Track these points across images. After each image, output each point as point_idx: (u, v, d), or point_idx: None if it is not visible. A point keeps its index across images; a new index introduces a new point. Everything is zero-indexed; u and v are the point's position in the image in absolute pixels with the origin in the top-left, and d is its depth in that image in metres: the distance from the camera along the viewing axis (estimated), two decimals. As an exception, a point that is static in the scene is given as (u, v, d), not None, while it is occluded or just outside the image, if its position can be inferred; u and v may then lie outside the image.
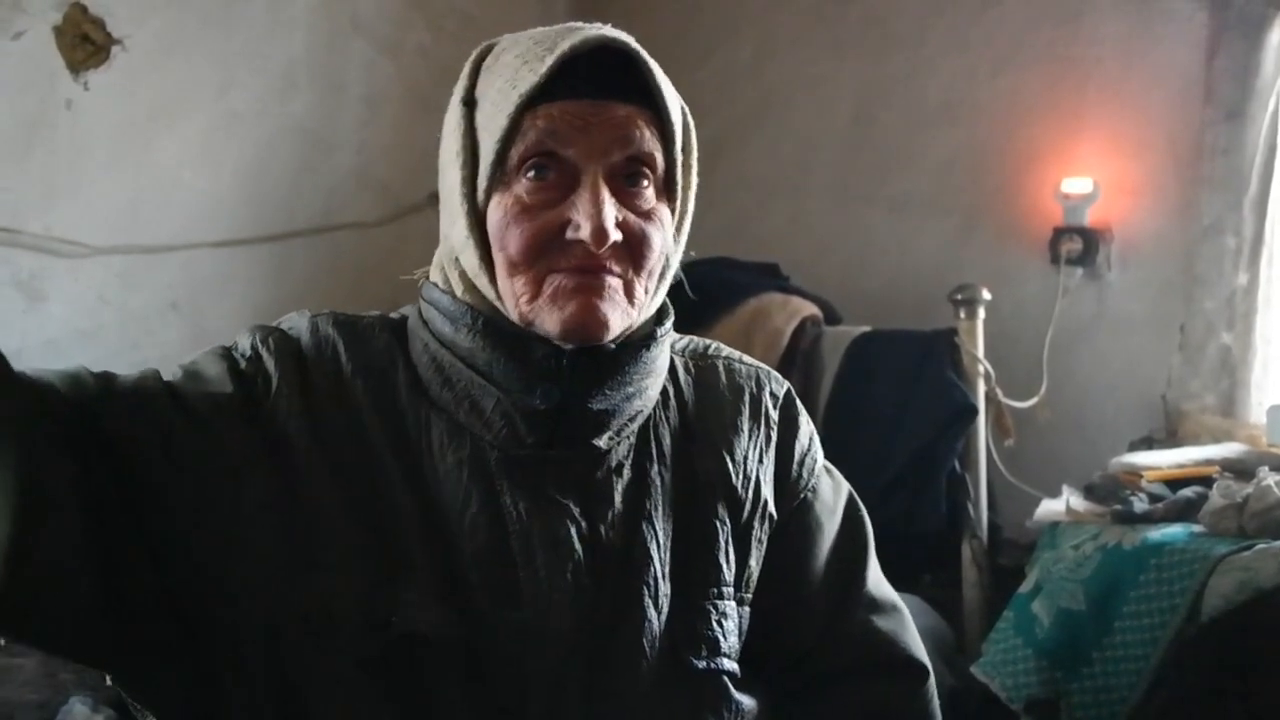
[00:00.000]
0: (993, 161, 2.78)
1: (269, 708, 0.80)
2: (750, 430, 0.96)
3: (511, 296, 0.83)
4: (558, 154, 0.81)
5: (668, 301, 0.91)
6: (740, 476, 0.94)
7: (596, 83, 0.81)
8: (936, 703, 1.02)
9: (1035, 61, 2.73)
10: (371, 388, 0.86)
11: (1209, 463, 2.16)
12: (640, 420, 0.90)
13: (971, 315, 2.40)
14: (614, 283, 0.82)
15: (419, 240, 2.69)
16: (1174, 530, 1.96)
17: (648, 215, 0.84)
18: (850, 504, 1.03)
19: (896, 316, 2.64)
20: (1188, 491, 2.04)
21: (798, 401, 1.01)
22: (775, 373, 1.01)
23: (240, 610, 0.79)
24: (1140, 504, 2.04)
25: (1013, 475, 2.47)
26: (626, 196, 0.83)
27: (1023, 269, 2.71)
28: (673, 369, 0.95)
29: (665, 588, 0.88)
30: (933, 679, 1.02)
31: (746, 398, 0.97)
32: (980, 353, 2.39)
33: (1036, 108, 2.73)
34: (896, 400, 2.41)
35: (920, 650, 1.02)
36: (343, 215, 2.65)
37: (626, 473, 0.89)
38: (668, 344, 0.92)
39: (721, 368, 0.98)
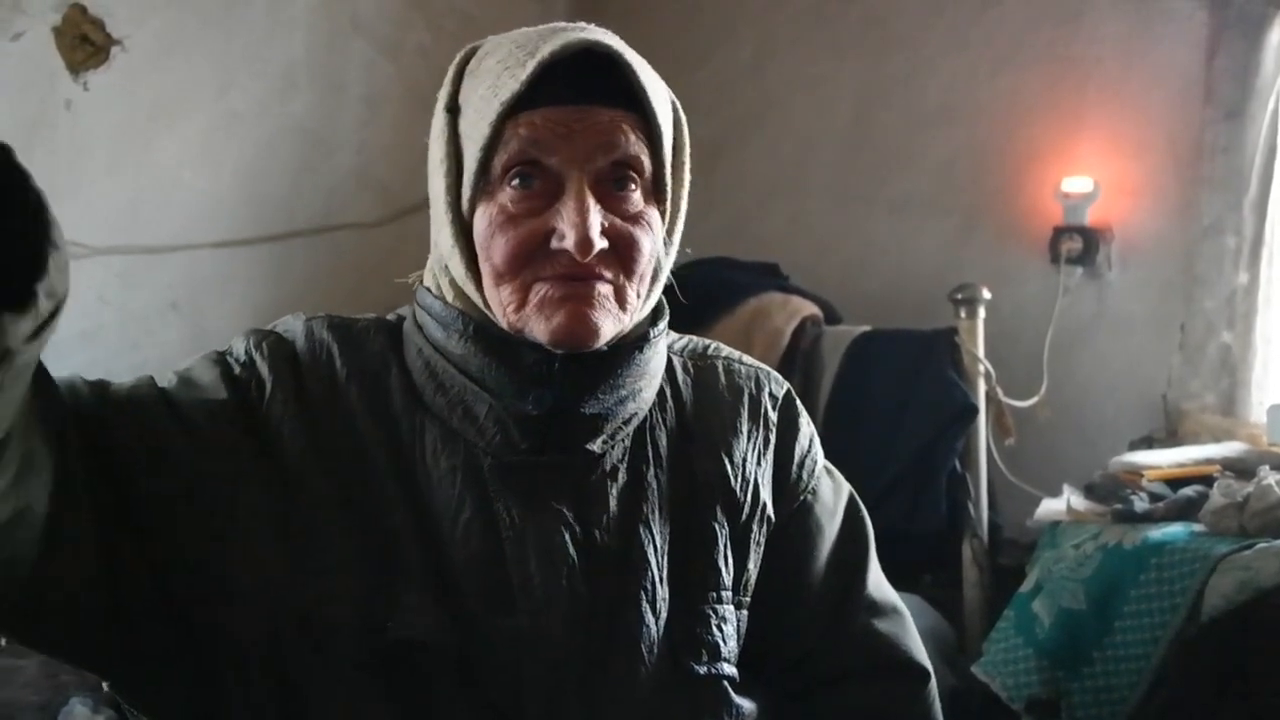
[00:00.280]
0: (993, 161, 2.78)
1: (269, 710, 0.80)
2: (749, 431, 0.95)
3: (499, 305, 0.83)
4: (541, 162, 0.81)
5: (663, 301, 0.91)
6: (739, 479, 0.93)
7: (579, 87, 0.80)
8: (938, 705, 1.02)
9: (1035, 61, 2.73)
10: (366, 392, 0.86)
11: (1209, 462, 2.16)
12: (635, 423, 0.89)
13: (972, 315, 2.40)
14: (604, 289, 0.82)
15: (419, 241, 2.65)
16: (1175, 529, 1.96)
17: (635, 219, 0.83)
18: (851, 505, 1.02)
19: (897, 316, 2.63)
20: (1188, 491, 2.04)
21: (798, 402, 1.00)
22: (775, 373, 1.01)
23: (239, 614, 0.79)
24: (1141, 503, 2.04)
25: (1013, 475, 2.47)
26: (613, 201, 0.82)
27: (1023, 269, 2.71)
28: (671, 369, 0.94)
29: (663, 592, 0.88)
30: (934, 682, 1.02)
31: (746, 398, 0.96)
32: (980, 352, 2.38)
33: (1036, 107, 2.73)
34: (897, 400, 2.41)
35: (921, 653, 1.02)
36: (343, 215, 2.65)
37: (622, 476, 0.88)
38: (662, 345, 0.91)
39: (721, 368, 0.97)
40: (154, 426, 0.80)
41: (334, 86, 2.63)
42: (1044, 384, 2.57)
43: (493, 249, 0.81)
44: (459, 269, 0.84)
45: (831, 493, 1.01)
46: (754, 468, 0.95)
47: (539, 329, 0.81)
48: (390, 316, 0.93)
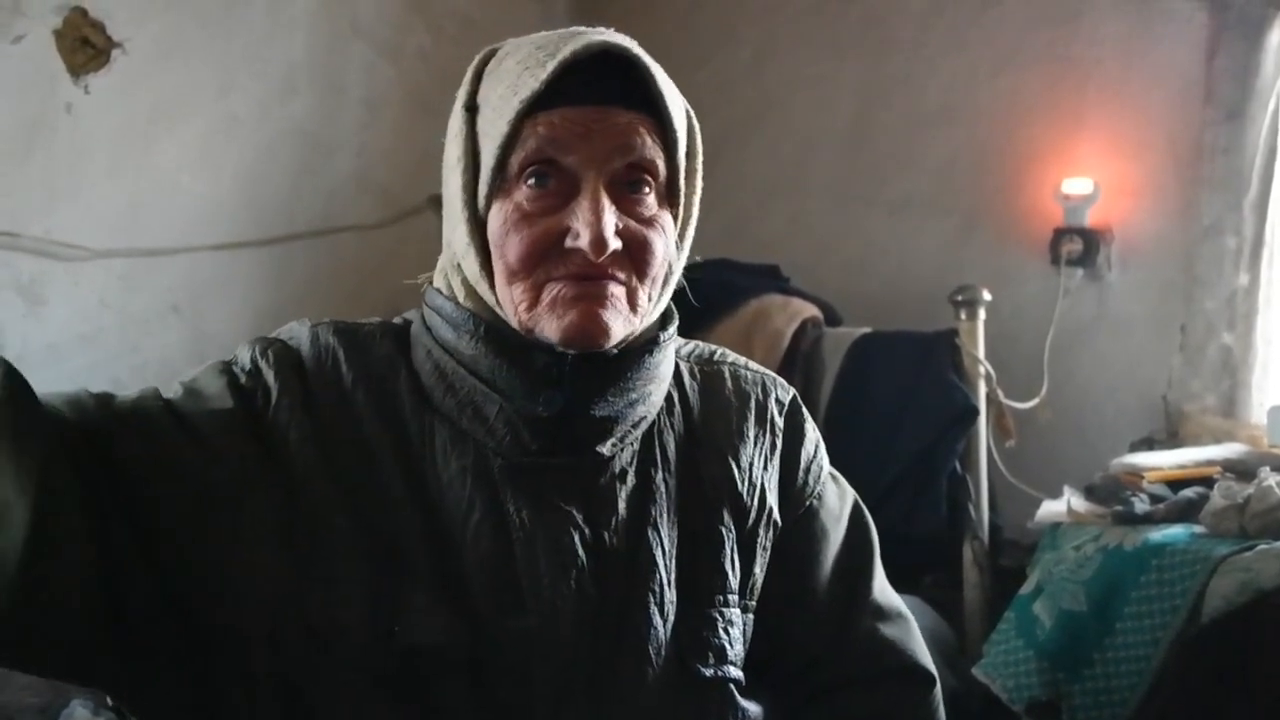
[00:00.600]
0: (993, 162, 2.78)
1: (273, 714, 0.80)
2: (756, 437, 0.96)
3: (511, 304, 0.83)
4: (558, 161, 0.81)
5: (672, 306, 0.91)
6: (745, 483, 0.94)
7: (598, 89, 0.81)
8: (943, 710, 1.02)
9: (1035, 62, 2.73)
10: (373, 396, 0.86)
11: (1210, 463, 2.16)
12: (644, 426, 0.90)
13: (972, 316, 2.40)
14: (617, 290, 0.82)
15: (419, 243, 2.69)
16: (1175, 531, 1.95)
17: (649, 222, 0.84)
18: (855, 511, 1.02)
19: (897, 318, 2.63)
20: (1189, 492, 2.04)
21: (804, 408, 1.01)
22: (781, 379, 1.01)
23: (245, 622, 0.79)
24: (1141, 505, 2.04)
25: (1014, 476, 2.47)
26: (628, 203, 0.83)
27: (1023, 270, 2.71)
28: (678, 374, 0.95)
29: (671, 594, 0.88)
30: (939, 687, 1.02)
31: (752, 404, 0.96)
32: (981, 354, 2.38)
33: (1036, 108, 2.73)
34: (897, 401, 2.41)
35: (926, 658, 1.02)
36: (343, 218, 2.65)
37: (630, 479, 0.88)
38: (672, 349, 0.92)
39: (728, 374, 0.98)
40: (161, 438, 0.80)
41: (334, 89, 2.64)
42: (1044, 385, 2.57)
43: (507, 247, 0.82)
44: (473, 267, 0.84)
45: (836, 498, 1.02)
46: (760, 472, 0.95)
47: (550, 328, 0.81)
48: (396, 320, 0.93)
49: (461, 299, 0.87)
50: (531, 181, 0.81)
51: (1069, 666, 1.97)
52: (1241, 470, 2.10)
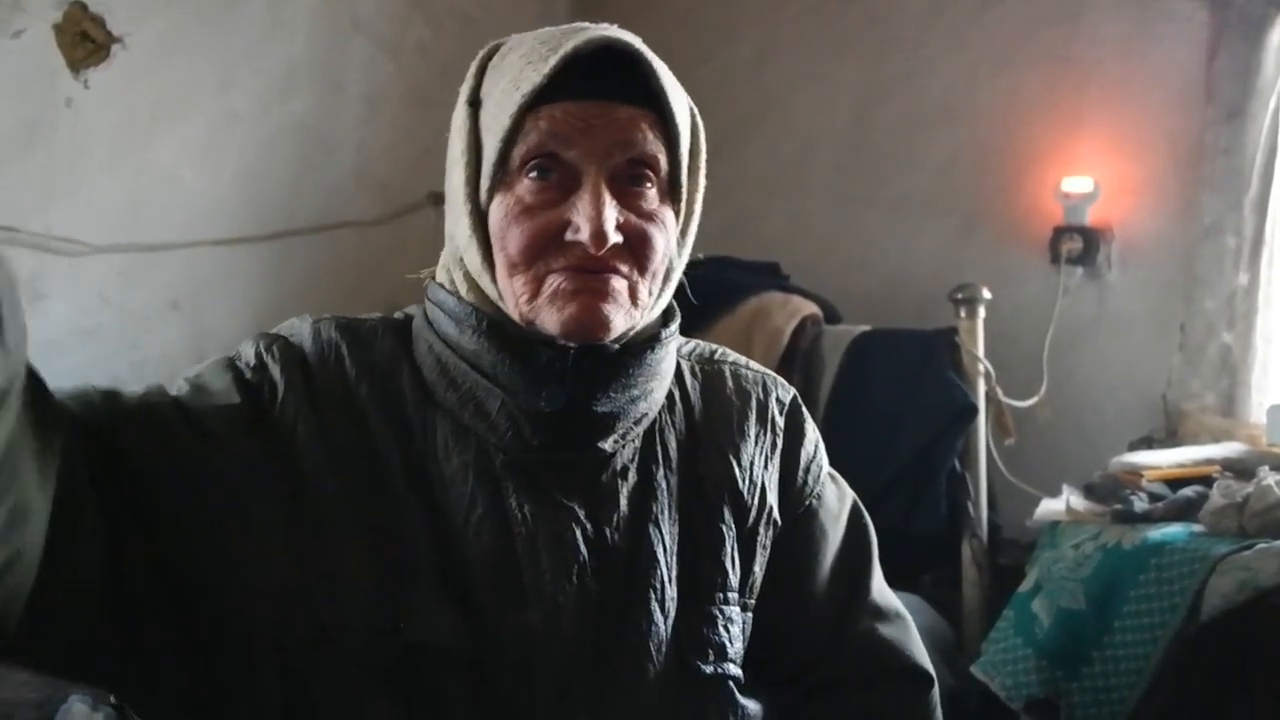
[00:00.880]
0: (993, 161, 2.78)
1: (275, 711, 0.80)
2: (757, 435, 0.96)
3: (512, 296, 0.83)
4: (559, 155, 0.81)
5: (673, 304, 0.91)
6: (746, 481, 0.94)
7: (600, 84, 0.81)
8: (940, 712, 1.02)
9: (1035, 61, 2.73)
10: (376, 392, 0.86)
11: (1209, 462, 2.16)
12: (646, 423, 0.90)
13: (972, 315, 2.40)
14: (617, 283, 0.82)
15: (419, 239, 2.69)
16: (1174, 530, 1.96)
17: (650, 217, 0.84)
18: (854, 512, 1.03)
19: (897, 316, 2.63)
20: (1188, 491, 2.04)
21: (804, 408, 1.01)
22: (781, 379, 1.01)
23: (249, 617, 0.79)
24: (1140, 503, 2.04)
25: (1013, 475, 2.47)
26: (629, 198, 0.83)
27: (1023, 269, 2.71)
28: (679, 373, 0.95)
29: (671, 591, 0.88)
30: (937, 688, 1.02)
31: (753, 403, 0.97)
32: (980, 352, 2.38)
33: (1036, 107, 2.73)
34: (897, 399, 2.41)
35: (925, 659, 1.02)
36: (343, 214, 2.65)
37: (632, 476, 0.89)
38: (673, 347, 0.92)
39: (728, 373, 0.98)
40: (168, 432, 0.80)
41: (334, 85, 2.63)
42: (1044, 384, 2.57)
43: (508, 239, 0.82)
44: (475, 260, 0.85)
45: (836, 499, 1.02)
46: (761, 471, 0.95)
47: (550, 320, 0.82)
48: (397, 315, 0.93)
49: (464, 293, 0.87)
50: (533, 174, 0.82)
51: (1068, 665, 1.97)
52: (1240, 469, 2.10)
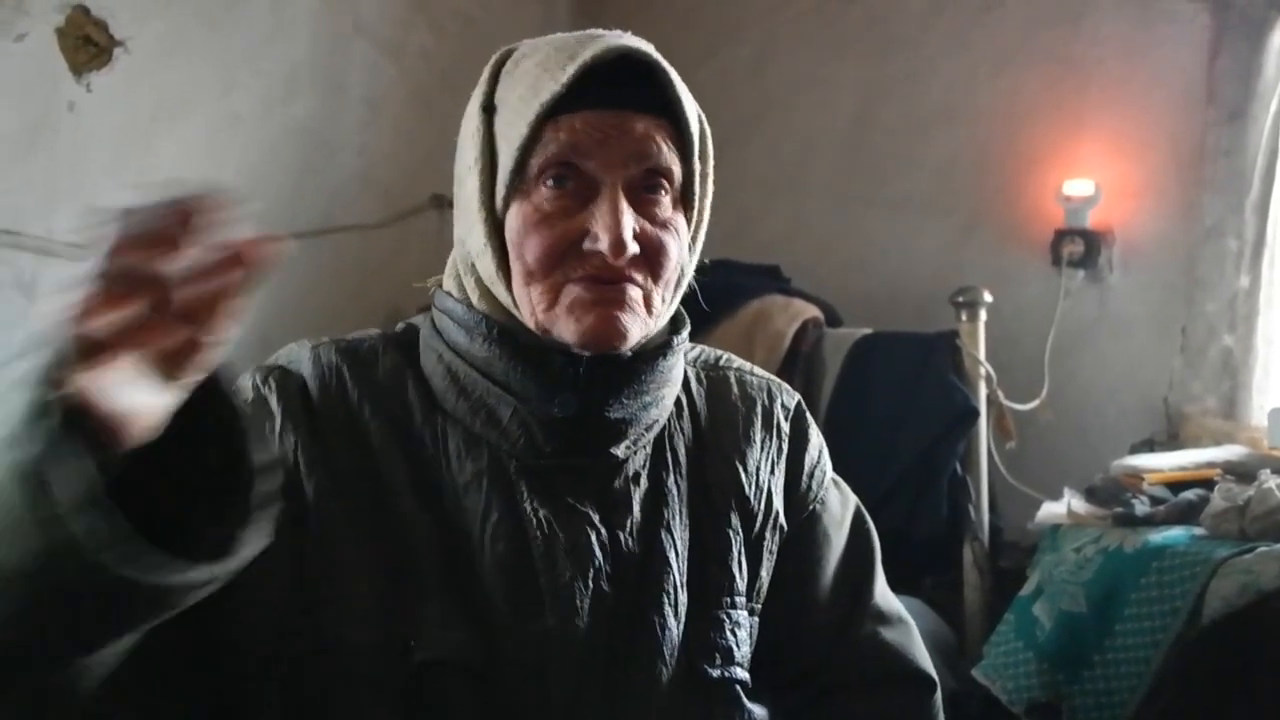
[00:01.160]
0: (994, 163, 2.78)
1: None
2: (763, 441, 0.96)
3: (528, 304, 0.84)
4: (577, 165, 0.82)
5: (682, 310, 0.92)
6: (753, 487, 0.94)
7: (617, 93, 0.82)
8: (942, 716, 1.03)
9: (1036, 63, 2.73)
10: (381, 409, 0.86)
11: (1210, 465, 2.16)
12: (656, 429, 0.91)
13: (973, 317, 2.39)
14: (634, 293, 0.83)
15: (421, 242, 2.69)
16: (1175, 533, 1.96)
17: (664, 225, 0.84)
18: (857, 517, 1.03)
19: (898, 318, 2.63)
20: (1189, 494, 2.04)
21: (808, 414, 1.02)
22: (786, 385, 1.02)
23: (257, 640, 0.79)
24: (1141, 506, 2.04)
25: (1014, 478, 2.47)
26: (644, 206, 0.83)
27: (1024, 271, 2.71)
28: (685, 380, 0.96)
29: (683, 596, 0.89)
30: (940, 692, 1.02)
31: (759, 409, 0.97)
32: (982, 355, 2.38)
33: (1038, 109, 2.73)
34: (898, 402, 2.41)
35: (928, 663, 1.03)
36: (344, 217, 2.65)
37: (644, 482, 0.89)
38: (683, 353, 0.92)
39: (733, 379, 0.98)
40: None
41: (336, 88, 2.64)
42: (1045, 387, 2.56)
43: (526, 247, 0.82)
44: (489, 267, 0.85)
45: (839, 504, 1.02)
46: (768, 476, 0.96)
47: (568, 330, 0.82)
48: (398, 327, 0.93)
49: (475, 301, 0.87)
50: (551, 183, 0.82)
51: (1069, 668, 1.97)
52: (1242, 472, 2.10)
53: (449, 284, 0.90)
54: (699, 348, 1.00)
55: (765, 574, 0.95)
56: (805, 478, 0.99)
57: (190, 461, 0.62)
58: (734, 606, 0.92)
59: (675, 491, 0.90)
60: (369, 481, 0.84)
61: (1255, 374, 2.47)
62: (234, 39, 2.39)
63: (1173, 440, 2.47)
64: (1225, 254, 2.47)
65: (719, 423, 0.95)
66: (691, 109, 0.86)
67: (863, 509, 1.04)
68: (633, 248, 0.81)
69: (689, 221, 0.88)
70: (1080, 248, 2.59)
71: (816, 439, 1.02)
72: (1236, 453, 2.21)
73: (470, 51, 0.89)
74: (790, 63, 3.06)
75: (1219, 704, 1.76)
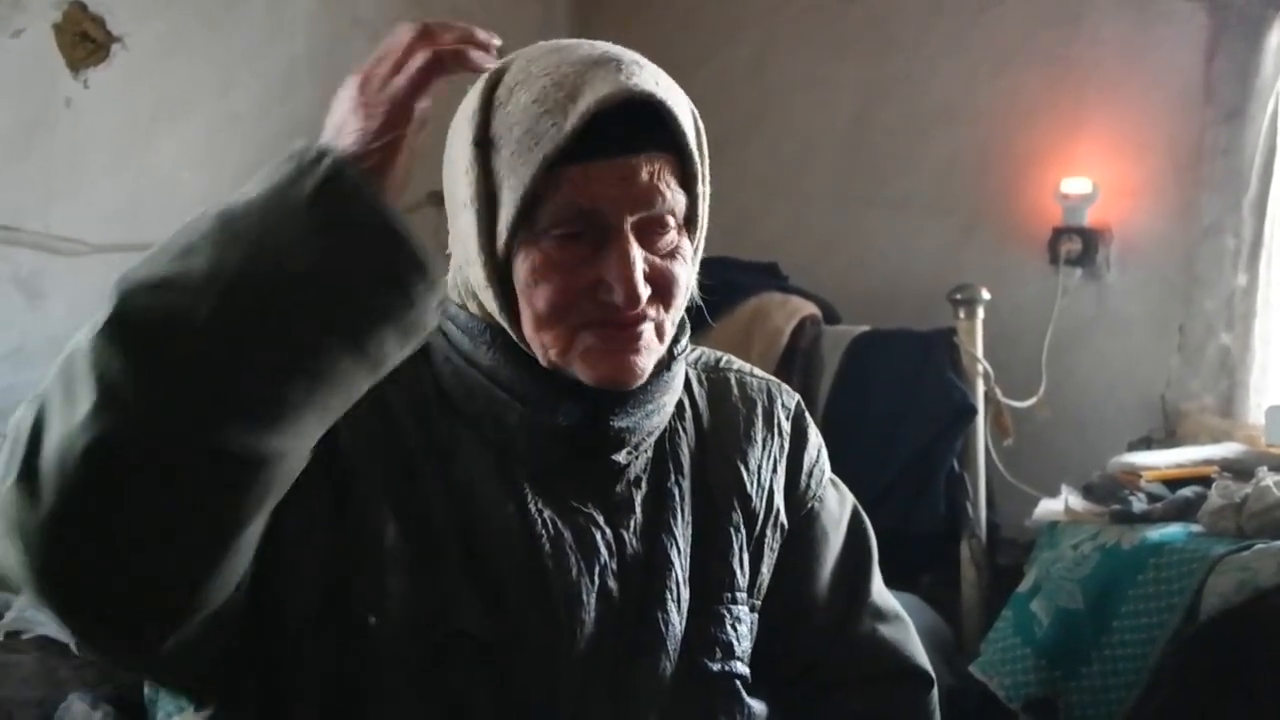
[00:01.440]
0: (992, 162, 2.78)
1: (314, 707, 0.80)
2: (764, 440, 0.97)
3: (540, 348, 0.83)
4: (585, 212, 0.80)
5: (684, 318, 0.92)
6: (754, 485, 0.95)
7: (622, 137, 0.80)
8: (939, 713, 1.04)
9: (1035, 62, 2.73)
10: (404, 400, 0.86)
11: (1208, 463, 2.16)
12: (658, 433, 0.91)
13: (971, 315, 2.40)
14: (648, 330, 0.83)
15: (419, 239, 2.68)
16: (1172, 530, 1.96)
17: (672, 254, 0.84)
18: (855, 516, 1.04)
19: (896, 316, 2.64)
20: (1186, 491, 2.05)
21: (807, 414, 1.03)
22: (785, 386, 1.03)
23: (287, 613, 0.79)
24: (1139, 504, 2.04)
25: (1012, 475, 2.47)
26: (650, 240, 0.83)
27: (1022, 269, 2.71)
28: (687, 381, 0.96)
29: (685, 593, 0.90)
30: (936, 689, 1.03)
31: (759, 409, 0.98)
32: (979, 352, 2.39)
33: (1036, 108, 2.73)
34: (896, 400, 2.42)
35: (924, 659, 1.04)
36: (343, 215, 2.65)
37: (646, 484, 0.90)
38: (684, 360, 0.93)
39: (734, 380, 0.99)
40: None
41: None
42: (1043, 384, 2.57)
43: (536, 296, 0.81)
44: (493, 306, 0.84)
45: (837, 503, 1.03)
46: (769, 475, 0.97)
47: (583, 374, 0.82)
48: None
49: (475, 308, 0.87)
50: (558, 231, 0.81)
51: (1066, 664, 1.97)
52: (1239, 470, 2.11)
53: (451, 292, 0.89)
54: (699, 349, 1.01)
55: (766, 570, 0.96)
56: (804, 477, 1.00)
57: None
58: (735, 602, 0.93)
59: (677, 492, 0.91)
60: (400, 462, 0.84)
61: (1252, 372, 2.47)
62: (232, 37, 2.39)
63: (1170, 438, 2.47)
64: (1223, 252, 2.47)
65: (720, 424, 0.96)
66: (691, 130, 0.84)
67: (859, 508, 1.06)
68: (645, 292, 0.81)
69: (692, 238, 0.87)
70: (1078, 246, 2.60)
71: (816, 439, 1.03)
72: (1234, 450, 2.22)
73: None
74: (790, 63, 3.06)
75: (1216, 700, 1.76)
